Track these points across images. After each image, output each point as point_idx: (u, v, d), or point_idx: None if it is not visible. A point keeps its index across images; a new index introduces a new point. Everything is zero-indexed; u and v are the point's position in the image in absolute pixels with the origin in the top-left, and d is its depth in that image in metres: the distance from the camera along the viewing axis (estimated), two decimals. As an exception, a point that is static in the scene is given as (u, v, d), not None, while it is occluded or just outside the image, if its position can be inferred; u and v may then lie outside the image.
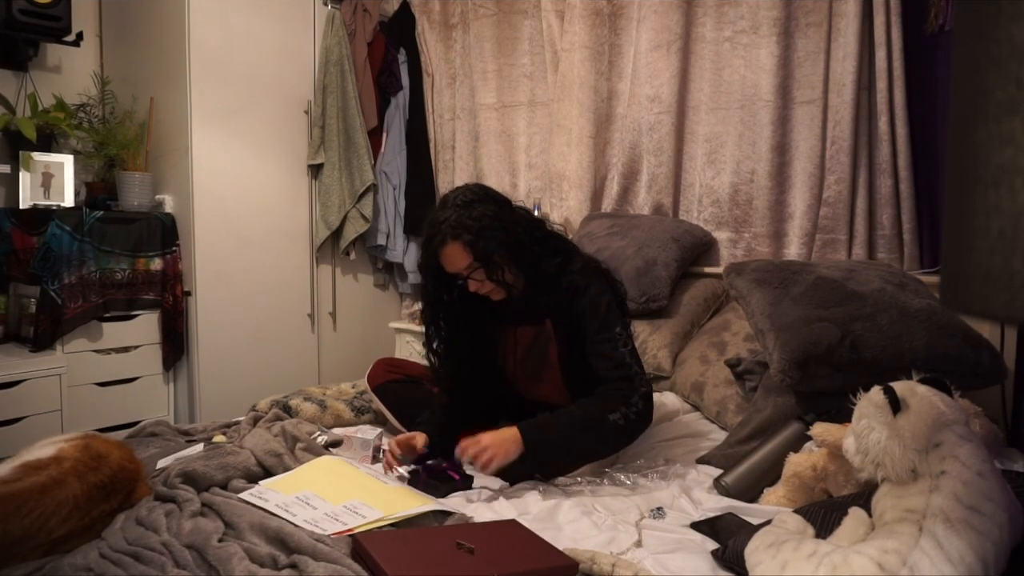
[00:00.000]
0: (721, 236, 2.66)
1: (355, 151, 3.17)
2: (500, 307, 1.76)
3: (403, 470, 1.61)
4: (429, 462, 1.57)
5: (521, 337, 1.79)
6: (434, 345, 1.79)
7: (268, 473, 1.48)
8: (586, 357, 1.67)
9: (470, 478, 1.55)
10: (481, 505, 1.46)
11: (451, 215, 1.62)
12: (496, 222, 1.63)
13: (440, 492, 1.48)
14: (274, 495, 1.35)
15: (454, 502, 1.46)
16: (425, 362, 1.87)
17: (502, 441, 1.50)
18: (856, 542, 1.04)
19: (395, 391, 1.95)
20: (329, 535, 1.17)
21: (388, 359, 2.10)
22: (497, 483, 1.58)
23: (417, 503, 1.33)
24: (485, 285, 1.67)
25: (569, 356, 1.71)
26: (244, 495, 1.36)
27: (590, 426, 1.55)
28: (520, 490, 1.54)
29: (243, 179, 2.90)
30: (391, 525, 1.25)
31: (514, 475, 1.57)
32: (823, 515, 1.19)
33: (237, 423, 1.92)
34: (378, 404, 1.96)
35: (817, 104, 2.41)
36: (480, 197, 1.67)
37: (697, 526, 1.33)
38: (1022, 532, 1.00)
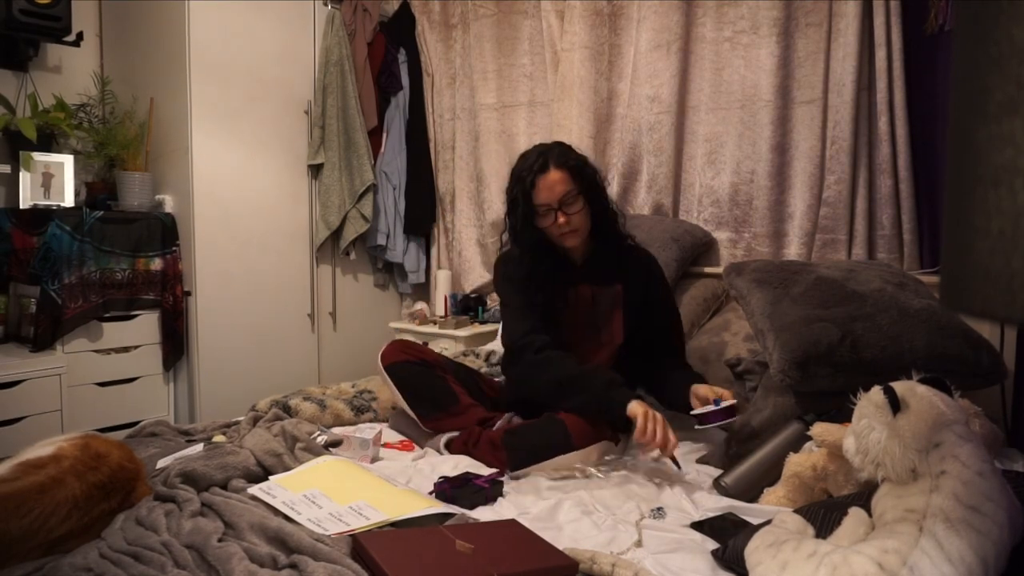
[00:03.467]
0: (721, 236, 2.66)
1: (355, 151, 3.17)
2: (562, 266, 1.86)
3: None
4: (452, 475, 1.55)
5: (582, 296, 1.85)
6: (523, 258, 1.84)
7: (268, 473, 1.48)
8: (651, 331, 1.81)
9: (499, 484, 1.52)
10: (481, 505, 1.46)
11: (553, 149, 1.78)
12: (588, 163, 1.80)
13: (470, 503, 1.44)
14: (282, 492, 1.35)
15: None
16: (438, 350, 1.90)
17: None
18: (856, 542, 1.04)
19: (407, 371, 1.89)
20: (330, 535, 1.18)
21: (404, 341, 2.04)
22: (524, 497, 1.52)
23: (423, 504, 1.33)
24: (573, 219, 1.75)
25: (635, 326, 1.81)
26: (253, 490, 1.36)
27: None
28: (520, 490, 1.54)
29: (243, 179, 2.90)
30: (392, 526, 1.25)
31: (515, 462, 1.62)
32: (823, 515, 1.19)
33: (237, 423, 1.92)
34: (389, 383, 1.90)
35: (817, 104, 2.41)
36: (567, 146, 1.83)
37: (697, 526, 1.33)
38: (1022, 532, 1.00)
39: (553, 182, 1.74)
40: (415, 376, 1.87)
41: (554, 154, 1.76)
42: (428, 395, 1.85)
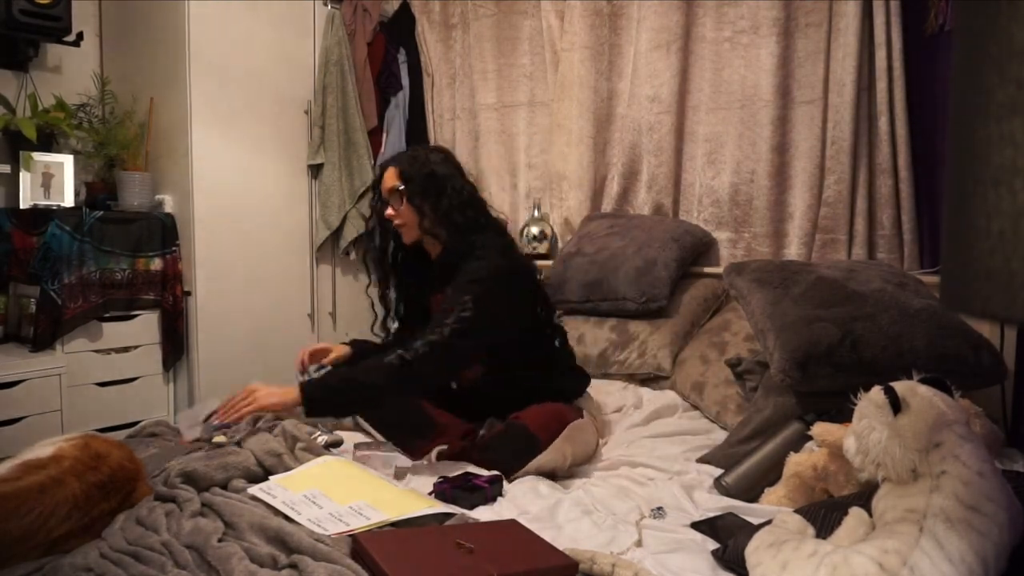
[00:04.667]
0: (721, 236, 2.66)
1: (355, 151, 3.17)
2: (427, 273, 1.93)
3: (312, 373, 1.71)
4: (452, 475, 1.55)
5: (436, 303, 1.91)
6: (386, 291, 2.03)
7: (268, 473, 1.48)
8: None
9: (499, 484, 1.52)
10: (481, 505, 1.46)
11: (411, 150, 1.96)
12: (434, 164, 1.87)
13: (470, 503, 1.44)
14: (282, 491, 1.35)
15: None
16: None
17: (271, 392, 1.66)
18: (856, 542, 1.04)
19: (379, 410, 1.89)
20: (330, 535, 1.17)
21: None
22: (524, 497, 1.53)
23: (423, 504, 1.33)
24: (400, 213, 1.85)
25: None
26: (252, 489, 1.36)
27: (368, 371, 1.65)
28: (520, 490, 1.54)
29: (243, 179, 2.90)
30: (392, 526, 1.25)
31: (508, 468, 1.61)
32: (823, 515, 1.19)
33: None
34: (366, 428, 1.90)
35: (817, 104, 2.41)
36: (435, 149, 1.97)
37: (697, 526, 1.32)
38: (1022, 532, 1.00)
39: (386, 179, 1.89)
40: (388, 413, 1.85)
41: (404, 155, 1.92)
42: (406, 427, 1.83)
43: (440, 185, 1.86)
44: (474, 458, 1.68)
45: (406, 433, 1.83)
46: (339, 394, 1.66)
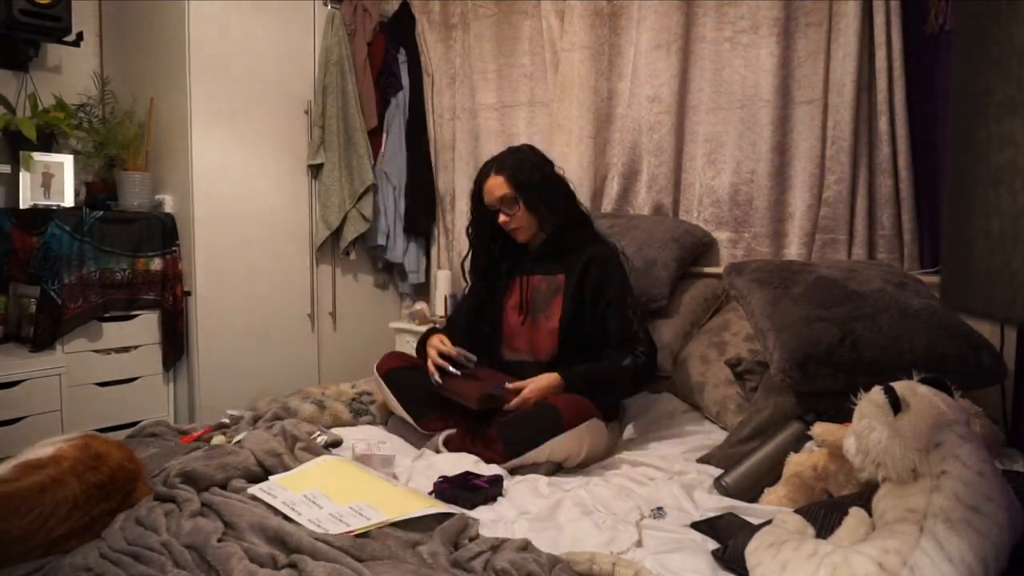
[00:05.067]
0: (721, 236, 2.65)
1: (355, 151, 3.17)
2: (516, 258, 2.05)
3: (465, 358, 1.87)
4: (454, 474, 1.56)
5: (530, 284, 2.01)
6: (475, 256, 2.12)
7: (268, 473, 1.48)
8: (592, 320, 1.92)
9: (499, 484, 1.53)
10: (481, 505, 1.46)
11: (503, 156, 2.01)
12: (536, 166, 1.98)
13: (470, 503, 1.45)
14: (282, 492, 1.35)
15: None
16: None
17: (540, 389, 1.78)
18: (856, 542, 1.04)
19: (400, 376, 1.98)
20: (331, 535, 1.18)
21: (400, 352, 2.20)
22: (524, 497, 1.54)
23: (423, 504, 1.33)
24: (516, 218, 1.96)
25: (572, 312, 1.92)
26: (253, 489, 1.36)
27: (612, 369, 1.86)
28: (521, 490, 1.54)
29: (243, 179, 2.90)
30: (392, 526, 1.25)
31: (510, 451, 1.67)
32: (823, 515, 1.19)
33: (225, 424, 1.92)
34: (384, 389, 1.98)
35: (817, 104, 2.41)
36: (527, 148, 2.06)
37: (697, 526, 1.33)
38: (1022, 532, 1.00)
39: (492, 186, 1.97)
40: (408, 379, 1.96)
41: (499, 161, 1.99)
42: (420, 396, 1.91)
43: (552, 185, 1.99)
44: (491, 434, 1.71)
45: (420, 402, 1.91)
46: (591, 384, 1.83)
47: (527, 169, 1.96)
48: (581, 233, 2.02)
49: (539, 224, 1.98)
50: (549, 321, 1.96)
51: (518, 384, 1.80)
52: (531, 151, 2.05)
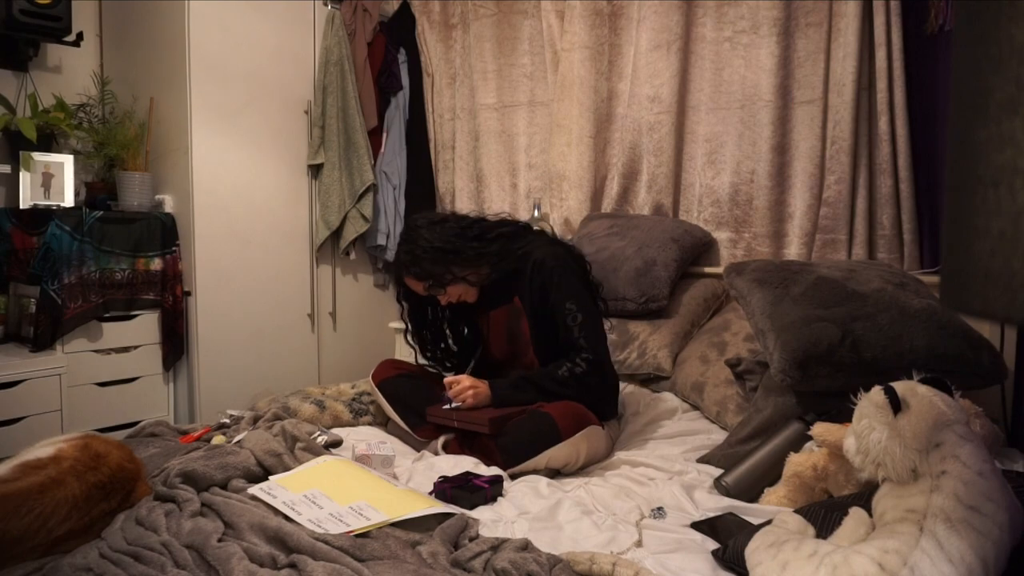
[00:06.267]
0: (721, 236, 2.66)
1: (355, 151, 3.17)
2: (480, 300, 1.99)
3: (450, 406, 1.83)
4: (454, 474, 1.56)
5: (496, 319, 1.99)
6: (431, 353, 2.13)
7: (268, 473, 1.48)
8: (553, 327, 1.88)
9: (499, 485, 1.53)
10: (481, 505, 1.46)
11: (399, 254, 1.95)
12: (427, 243, 1.89)
13: (470, 503, 1.44)
14: (282, 492, 1.35)
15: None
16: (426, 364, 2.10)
17: (475, 390, 1.80)
18: (856, 542, 1.04)
19: (395, 386, 1.98)
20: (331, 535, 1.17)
21: (394, 360, 2.16)
22: (524, 497, 1.53)
23: (423, 504, 1.33)
24: (450, 294, 1.93)
25: (539, 328, 1.90)
26: (253, 489, 1.36)
27: (543, 378, 1.82)
28: (520, 490, 1.54)
29: (243, 179, 2.90)
30: (392, 526, 1.25)
31: (509, 461, 1.67)
32: (823, 515, 1.19)
33: (225, 424, 1.92)
34: (379, 399, 1.98)
35: (817, 104, 2.41)
36: (412, 227, 1.95)
37: (697, 526, 1.32)
38: (1022, 532, 1.00)
39: (411, 285, 1.96)
40: (403, 388, 1.96)
41: (399, 263, 1.95)
42: (415, 405, 1.92)
43: (451, 250, 1.90)
44: (488, 444, 1.70)
45: (415, 411, 1.91)
46: (517, 395, 1.82)
47: (421, 256, 1.89)
48: (519, 247, 1.93)
49: (469, 283, 1.92)
50: (527, 344, 1.95)
51: (453, 379, 1.85)
52: (418, 228, 1.93)
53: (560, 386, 1.80)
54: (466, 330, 2.13)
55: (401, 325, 3.28)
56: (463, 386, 1.80)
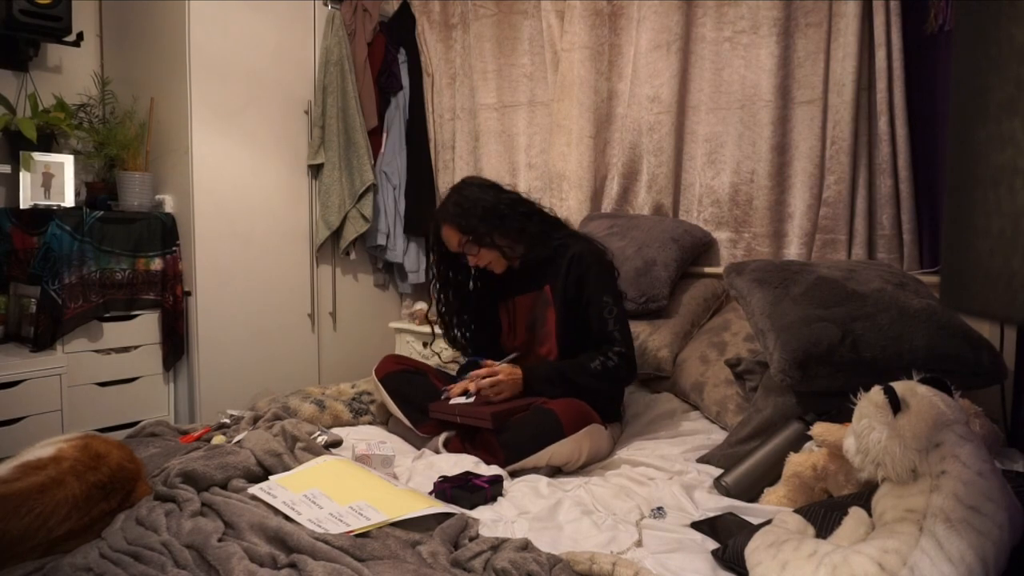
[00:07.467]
0: (721, 236, 2.65)
1: (355, 151, 3.17)
2: (504, 281, 2.02)
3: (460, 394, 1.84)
4: (454, 474, 1.56)
5: (521, 305, 2.01)
6: (447, 318, 2.14)
7: (268, 473, 1.48)
8: (582, 320, 1.90)
9: (499, 484, 1.53)
10: (481, 505, 1.46)
11: (446, 203, 1.96)
12: (479, 200, 1.93)
13: (470, 503, 1.45)
14: (283, 491, 1.35)
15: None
16: (429, 362, 2.10)
17: (513, 382, 1.82)
18: (856, 542, 1.04)
19: (398, 381, 1.99)
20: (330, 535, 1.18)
21: (396, 355, 2.15)
22: (524, 497, 1.53)
23: (423, 504, 1.33)
24: (481, 257, 1.95)
25: (566, 320, 1.92)
26: (253, 489, 1.36)
27: (576, 370, 1.84)
28: (520, 490, 1.54)
29: (243, 179, 2.90)
30: (392, 526, 1.25)
31: (511, 457, 1.67)
32: (823, 515, 1.19)
33: (225, 424, 1.92)
34: (382, 393, 1.98)
35: (817, 104, 2.41)
36: (466, 183, 2.01)
37: (697, 526, 1.33)
38: (1022, 532, 1.00)
39: (447, 237, 1.96)
40: (405, 383, 1.97)
41: (444, 209, 1.96)
42: (417, 400, 1.92)
43: (498, 214, 1.93)
44: (491, 440, 1.71)
45: (417, 406, 1.91)
46: (551, 383, 1.84)
47: (470, 210, 1.92)
48: (556, 237, 1.99)
49: (504, 254, 1.95)
50: (549, 333, 1.95)
51: (493, 368, 1.84)
52: (471, 186, 2.00)
53: (593, 379, 1.83)
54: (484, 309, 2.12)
55: (401, 324, 3.31)
56: (498, 379, 1.80)
